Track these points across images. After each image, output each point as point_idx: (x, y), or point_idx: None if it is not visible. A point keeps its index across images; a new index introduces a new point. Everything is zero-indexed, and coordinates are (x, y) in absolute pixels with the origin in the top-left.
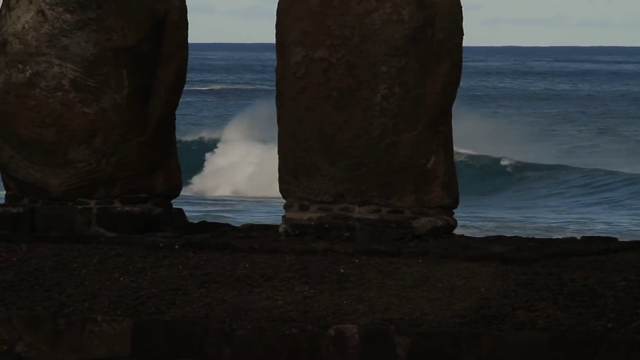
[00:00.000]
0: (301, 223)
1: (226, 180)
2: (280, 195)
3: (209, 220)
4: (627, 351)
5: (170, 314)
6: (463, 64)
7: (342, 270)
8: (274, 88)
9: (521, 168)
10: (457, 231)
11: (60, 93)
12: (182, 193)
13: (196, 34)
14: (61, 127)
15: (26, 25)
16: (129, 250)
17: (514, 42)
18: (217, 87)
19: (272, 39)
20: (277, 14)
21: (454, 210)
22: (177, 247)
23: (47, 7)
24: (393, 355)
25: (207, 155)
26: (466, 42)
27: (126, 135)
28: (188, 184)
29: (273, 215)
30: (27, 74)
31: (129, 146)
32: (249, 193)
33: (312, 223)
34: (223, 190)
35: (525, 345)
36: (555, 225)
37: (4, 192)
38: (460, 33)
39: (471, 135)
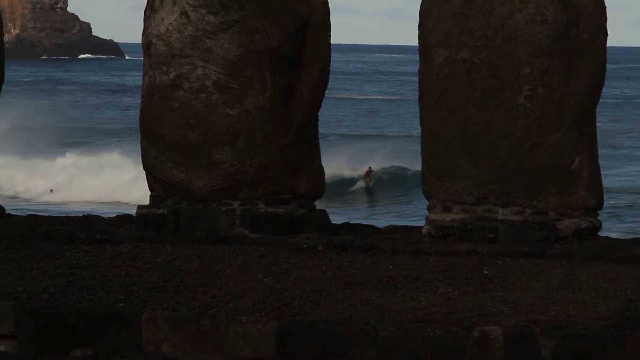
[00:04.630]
0: (444, 224)
1: None
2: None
3: None
4: None
5: (315, 315)
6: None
7: (485, 272)
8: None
9: None
10: None
11: (203, 95)
12: None
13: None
14: (205, 129)
15: (170, 27)
16: (273, 252)
17: None
18: None
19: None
20: (420, 15)
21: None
22: (320, 248)
23: (191, 8)
24: (538, 357)
25: None
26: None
27: (269, 137)
28: None
29: None
30: (171, 76)
31: (272, 147)
32: None
33: (456, 224)
34: None
35: None
36: None
37: (149, 193)
38: (604, 33)
39: None
